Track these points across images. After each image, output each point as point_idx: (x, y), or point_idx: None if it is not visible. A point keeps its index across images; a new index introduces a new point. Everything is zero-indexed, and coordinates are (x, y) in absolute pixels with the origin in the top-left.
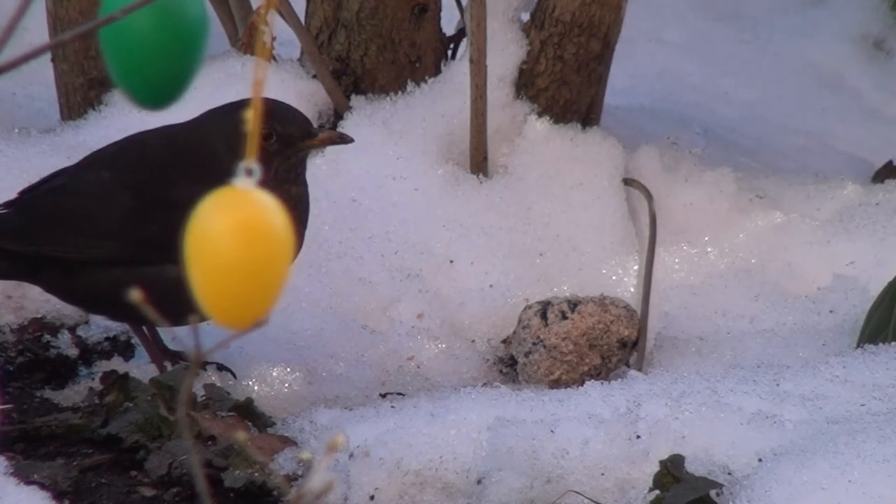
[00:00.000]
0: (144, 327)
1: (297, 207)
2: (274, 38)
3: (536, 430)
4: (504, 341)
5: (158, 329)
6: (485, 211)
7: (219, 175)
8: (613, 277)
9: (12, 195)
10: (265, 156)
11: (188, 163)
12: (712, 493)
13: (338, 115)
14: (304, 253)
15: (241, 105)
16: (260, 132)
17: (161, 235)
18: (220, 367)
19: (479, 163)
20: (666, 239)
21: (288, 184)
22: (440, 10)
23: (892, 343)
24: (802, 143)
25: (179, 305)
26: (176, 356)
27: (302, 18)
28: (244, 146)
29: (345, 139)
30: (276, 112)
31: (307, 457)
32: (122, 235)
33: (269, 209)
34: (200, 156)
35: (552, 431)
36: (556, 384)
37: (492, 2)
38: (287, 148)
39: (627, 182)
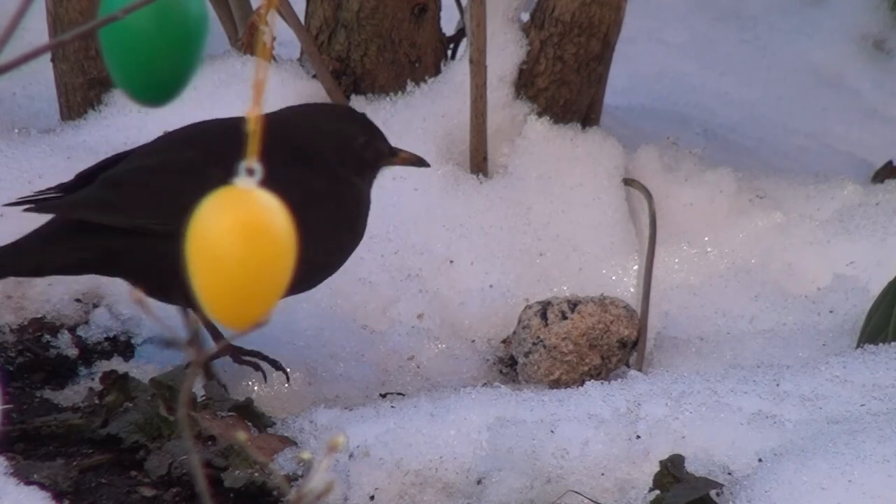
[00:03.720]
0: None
1: (367, 211)
2: (274, 38)
3: (536, 430)
4: (504, 341)
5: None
6: (485, 211)
7: (314, 165)
8: (613, 277)
9: (12, 195)
10: (362, 163)
11: (283, 149)
12: (712, 493)
13: None
14: None
15: (343, 112)
16: (363, 143)
17: None
18: (275, 366)
19: (479, 163)
20: (666, 239)
21: (369, 190)
22: (440, 10)
23: (892, 343)
24: (802, 143)
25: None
26: (249, 354)
27: (302, 18)
28: (343, 150)
29: (422, 163)
30: (373, 127)
31: (307, 457)
32: None
33: (271, 209)
34: (295, 146)
35: (552, 431)
36: (556, 384)
37: (492, 2)
38: (377, 160)
39: (627, 182)
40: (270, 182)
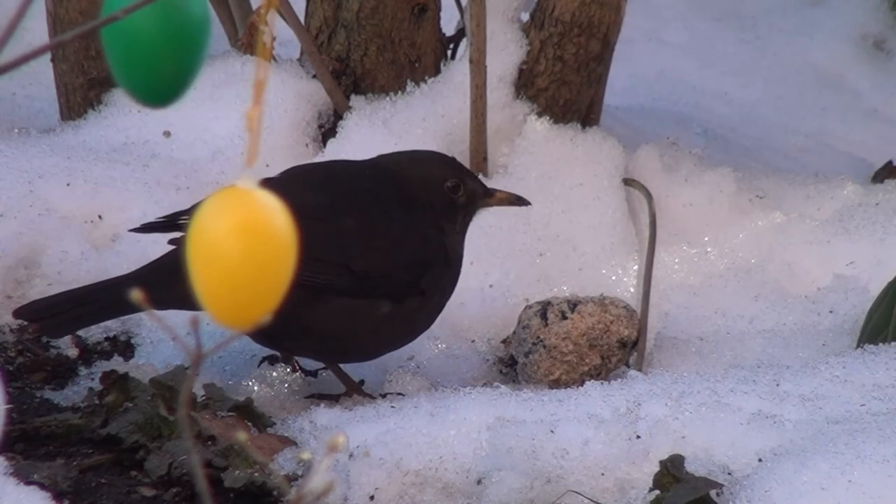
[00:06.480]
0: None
1: (459, 262)
2: (274, 38)
3: (536, 430)
4: (504, 341)
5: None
6: (484, 211)
7: (418, 212)
8: (613, 277)
9: (12, 195)
10: (454, 207)
11: (396, 197)
12: (712, 493)
13: (338, 116)
14: None
15: (430, 156)
16: (451, 186)
17: (379, 267)
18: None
19: (479, 163)
20: (666, 239)
21: (462, 236)
22: (440, 10)
23: (892, 343)
24: (802, 143)
25: (381, 342)
26: (367, 395)
27: (302, 18)
28: (433, 191)
29: (522, 202)
30: (464, 169)
31: (307, 457)
32: (349, 264)
33: (271, 209)
34: (403, 193)
35: (552, 431)
36: (556, 384)
37: (492, 2)
38: (471, 203)
39: (627, 182)
40: (393, 242)
